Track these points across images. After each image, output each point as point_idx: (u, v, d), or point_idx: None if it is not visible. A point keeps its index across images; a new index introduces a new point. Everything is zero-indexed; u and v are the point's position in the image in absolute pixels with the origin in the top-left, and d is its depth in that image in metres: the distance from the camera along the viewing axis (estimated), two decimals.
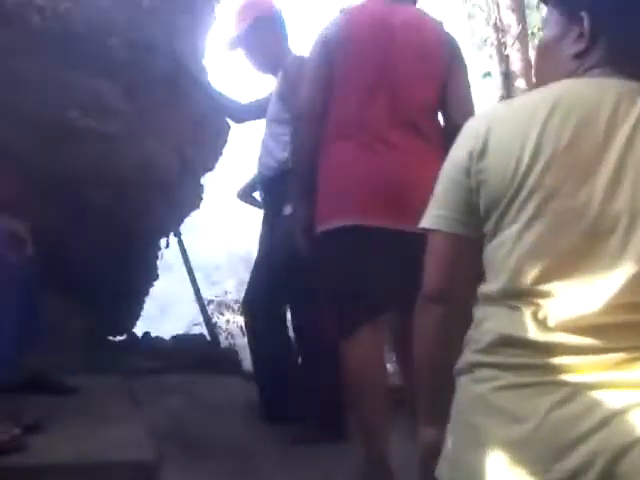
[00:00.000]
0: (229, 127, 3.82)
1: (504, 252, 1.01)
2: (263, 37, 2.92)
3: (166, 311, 10.09)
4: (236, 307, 8.68)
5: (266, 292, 2.80)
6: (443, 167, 1.14)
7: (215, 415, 2.80)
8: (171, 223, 3.79)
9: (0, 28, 2.78)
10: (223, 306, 8.81)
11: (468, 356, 1.06)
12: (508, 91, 6.93)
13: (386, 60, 2.19)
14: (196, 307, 4.70)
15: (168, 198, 3.48)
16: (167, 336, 4.32)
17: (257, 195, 4.91)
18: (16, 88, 2.80)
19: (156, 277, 4.62)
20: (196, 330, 5.27)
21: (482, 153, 1.05)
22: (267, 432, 2.70)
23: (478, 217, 1.07)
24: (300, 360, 2.91)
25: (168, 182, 3.38)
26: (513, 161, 1.01)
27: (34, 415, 2.07)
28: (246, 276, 3.31)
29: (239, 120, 3.41)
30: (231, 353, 4.03)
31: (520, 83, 7.03)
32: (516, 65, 7.06)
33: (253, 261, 3.09)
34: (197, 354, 3.66)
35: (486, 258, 1.06)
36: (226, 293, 9.59)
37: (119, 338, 4.35)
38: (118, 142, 3.05)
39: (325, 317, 2.35)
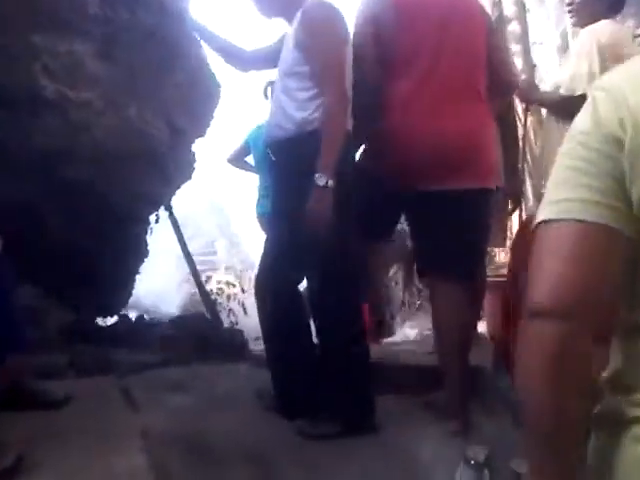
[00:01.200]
0: (220, 86, 3.45)
1: None
2: None
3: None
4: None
5: (290, 269, 2.50)
6: (567, 139, 0.85)
7: (224, 412, 2.51)
8: (162, 197, 3.44)
9: None
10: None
11: (621, 405, 0.76)
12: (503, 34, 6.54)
13: (440, 31, 2.46)
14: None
15: (158, 171, 3.13)
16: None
17: (250, 159, 4.63)
18: None
19: (146, 254, 4.32)
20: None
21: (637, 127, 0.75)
22: (285, 428, 2.42)
23: (630, 206, 0.76)
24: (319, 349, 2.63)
25: (156, 153, 3.03)
26: None
27: (14, 449, 1.71)
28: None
29: (244, 67, 3.03)
30: (235, 334, 3.74)
31: (514, 27, 6.62)
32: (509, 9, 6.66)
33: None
34: (199, 338, 3.37)
35: None
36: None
37: (110, 322, 4.06)
38: (97, 111, 2.69)
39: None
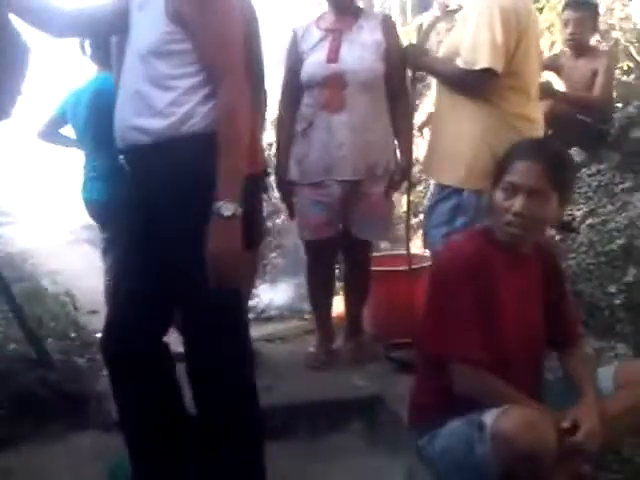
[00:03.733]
0: (29, 50, 2.50)
1: None
2: None
3: None
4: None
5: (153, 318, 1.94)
6: None
7: None
8: None
9: None
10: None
11: None
12: None
13: None
14: None
15: None
16: None
17: (64, 132, 3.74)
18: None
19: None
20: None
21: None
22: None
23: None
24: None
25: None
26: None
27: None
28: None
29: (59, 32, 2.16)
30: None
31: None
32: None
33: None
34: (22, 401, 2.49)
35: None
36: None
37: None
38: None
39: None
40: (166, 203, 1.80)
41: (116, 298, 2.00)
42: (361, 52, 2.86)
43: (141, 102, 1.81)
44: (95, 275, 6.70)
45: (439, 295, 1.82)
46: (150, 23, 1.82)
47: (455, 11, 5.66)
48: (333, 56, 2.86)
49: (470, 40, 2.52)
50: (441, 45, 3.23)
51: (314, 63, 2.90)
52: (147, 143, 1.81)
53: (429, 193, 3.22)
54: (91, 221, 3.78)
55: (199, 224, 1.71)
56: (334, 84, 2.84)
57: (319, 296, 3.21)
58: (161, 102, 1.79)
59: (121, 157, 1.98)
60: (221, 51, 1.79)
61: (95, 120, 3.31)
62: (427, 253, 3.11)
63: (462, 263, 1.77)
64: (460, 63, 2.55)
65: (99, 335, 4.03)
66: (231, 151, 1.75)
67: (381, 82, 2.90)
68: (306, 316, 3.99)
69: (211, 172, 1.72)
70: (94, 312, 5.27)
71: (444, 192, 2.67)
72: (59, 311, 4.19)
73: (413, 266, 3.14)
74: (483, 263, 1.78)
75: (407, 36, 4.79)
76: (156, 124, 1.79)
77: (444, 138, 2.70)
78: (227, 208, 1.70)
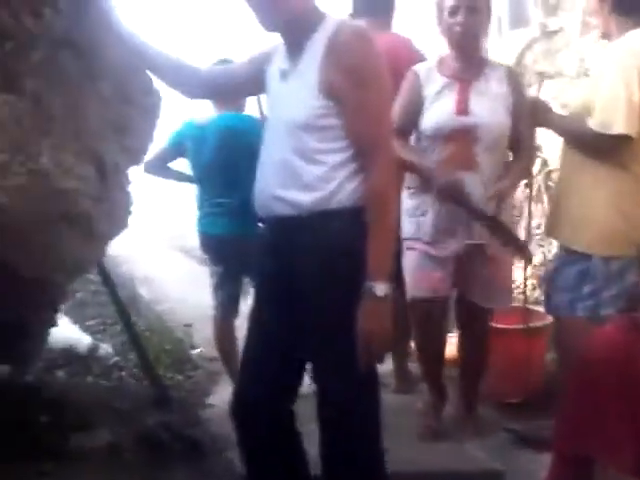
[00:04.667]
0: (160, 98, 2.60)
1: None
2: None
3: None
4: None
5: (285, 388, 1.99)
6: None
7: None
8: (87, 262, 2.62)
9: None
10: None
11: None
12: None
13: None
14: None
15: (80, 231, 2.31)
16: None
17: (173, 165, 3.83)
18: None
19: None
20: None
21: None
22: None
23: None
24: None
25: (79, 211, 2.22)
26: None
27: None
28: None
29: (193, 92, 2.25)
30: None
31: None
32: None
33: None
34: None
35: None
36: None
37: None
38: None
39: None
40: (311, 275, 1.81)
41: (249, 364, 2.02)
42: (492, 104, 2.70)
43: (287, 174, 1.82)
44: (188, 285, 6.85)
45: (582, 388, 1.74)
46: (298, 95, 1.81)
47: (555, 32, 5.49)
48: (463, 107, 2.68)
49: (605, 100, 2.42)
50: (536, 65, 3.12)
51: (440, 113, 2.70)
52: (292, 215, 1.82)
53: (550, 254, 3.13)
54: (184, 231, 3.87)
55: (346, 300, 1.73)
56: (462, 138, 2.68)
57: (429, 365, 2.99)
58: (309, 176, 1.79)
59: (261, 225, 2.02)
60: (374, 128, 1.78)
61: (222, 159, 3.41)
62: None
63: (609, 357, 1.69)
64: (592, 124, 2.47)
65: (195, 352, 4.16)
66: (382, 230, 1.76)
67: (507, 137, 2.75)
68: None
69: (358, 248, 1.73)
70: (188, 325, 5.42)
71: (570, 256, 2.59)
72: (175, 347, 4.32)
73: (530, 324, 3.07)
74: (632, 357, 1.70)
75: (502, 51, 4.70)
76: (303, 197, 1.79)
77: (572, 200, 2.61)
78: (380, 289, 1.71)
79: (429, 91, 2.76)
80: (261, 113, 3.46)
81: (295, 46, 1.84)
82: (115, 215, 2.51)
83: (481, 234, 2.70)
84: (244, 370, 2.03)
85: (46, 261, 2.27)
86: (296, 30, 1.83)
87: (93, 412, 2.72)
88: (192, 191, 3.81)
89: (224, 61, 3.36)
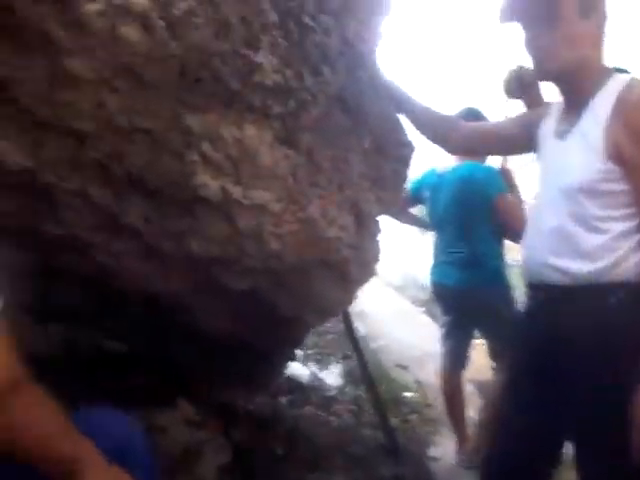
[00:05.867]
0: (413, 148, 2.64)
1: None
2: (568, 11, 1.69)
3: None
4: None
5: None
6: None
7: None
8: (337, 306, 2.72)
9: None
10: None
11: None
12: None
13: None
14: None
15: (335, 277, 2.41)
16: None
17: (415, 211, 3.86)
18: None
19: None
20: None
21: None
22: None
23: None
24: None
25: (337, 258, 2.31)
26: None
27: None
28: None
29: (452, 149, 2.43)
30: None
31: None
32: None
33: None
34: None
35: None
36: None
37: None
38: (272, 214, 2.01)
39: None
40: (582, 351, 1.70)
41: (504, 433, 1.95)
42: None
43: (562, 241, 1.72)
44: (402, 324, 6.78)
45: None
46: (580, 157, 1.70)
47: None
48: None
49: None
50: None
51: None
52: (566, 284, 1.72)
53: None
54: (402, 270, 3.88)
55: (620, 384, 1.60)
56: None
57: None
58: (589, 244, 1.68)
59: (528, 291, 1.95)
60: None
61: (458, 208, 3.39)
62: None
63: None
64: None
65: (408, 394, 4.08)
66: None
67: None
68: None
69: (638, 328, 1.61)
70: (404, 367, 5.37)
71: None
72: (388, 386, 4.33)
73: None
74: None
75: None
76: (581, 267, 1.68)
77: None
78: None
79: None
80: (501, 164, 3.40)
81: (576, 102, 1.76)
82: (366, 262, 2.59)
83: None
84: (501, 441, 1.94)
85: (305, 303, 2.39)
86: (579, 83, 1.75)
87: (326, 452, 2.78)
88: (429, 239, 3.83)
89: (470, 110, 3.36)
